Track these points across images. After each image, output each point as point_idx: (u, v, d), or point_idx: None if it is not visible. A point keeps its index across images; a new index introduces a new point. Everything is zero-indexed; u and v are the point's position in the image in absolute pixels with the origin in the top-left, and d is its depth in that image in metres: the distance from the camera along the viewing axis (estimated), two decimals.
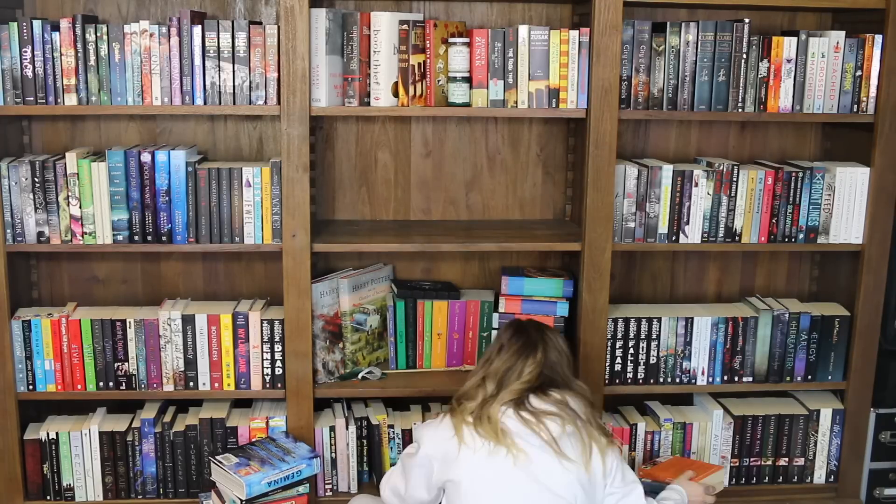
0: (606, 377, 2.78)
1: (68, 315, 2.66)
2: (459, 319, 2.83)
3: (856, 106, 2.70)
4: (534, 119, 2.90)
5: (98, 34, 2.49)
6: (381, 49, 2.56)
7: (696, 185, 2.70)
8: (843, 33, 2.67)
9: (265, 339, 2.68)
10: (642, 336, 2.78)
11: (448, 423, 2.16)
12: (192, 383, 2.69)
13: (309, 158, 2.56)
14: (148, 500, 2.74)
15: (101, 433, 2.69)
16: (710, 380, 2.83)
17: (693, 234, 2.73)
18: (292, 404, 2.69)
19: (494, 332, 2.83)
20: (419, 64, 2.59)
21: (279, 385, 2.70)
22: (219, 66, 2.52)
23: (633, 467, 2.80)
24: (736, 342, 2.81)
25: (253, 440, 2.68)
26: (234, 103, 2.55)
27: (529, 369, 2.15)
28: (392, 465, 2.70)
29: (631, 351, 2.78)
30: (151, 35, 2.49)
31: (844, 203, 2.75)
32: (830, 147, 2.98)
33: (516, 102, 2.61)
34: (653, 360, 2.80)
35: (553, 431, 2.09)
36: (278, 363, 2.69)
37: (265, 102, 2.55)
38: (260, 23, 2.63)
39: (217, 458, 2.53)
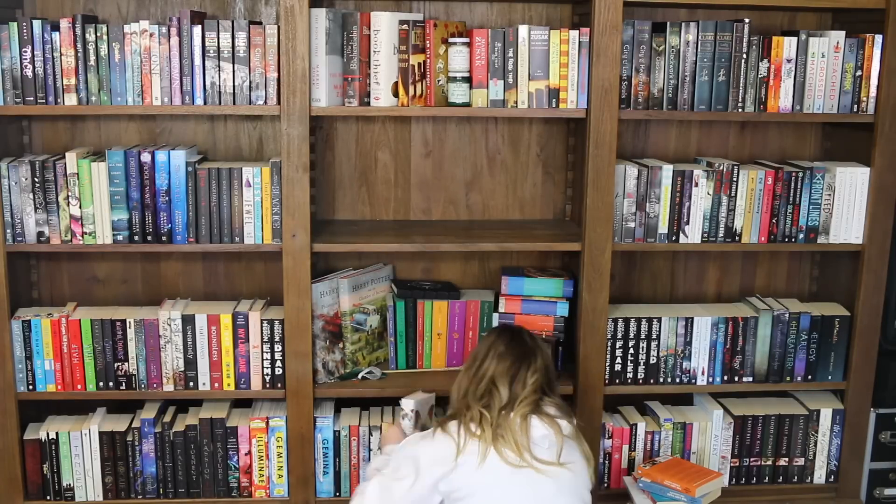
0: (606, 377, 2.78)
1: (68, 315, 2.66)
2: (459, 319, 2.83)
3: (856, 106, 2.70)
4: (534, 119, 2.89)
5: (98, 34, 2.49)
6: (381, 49, 2.56)
7: (696, 185, 2.70)
8: (843, 33, 2.67)
9: (265, 339, 2.68)
10: (642, 336, 2.77)
11: (450, 441, 2.11)
12: (192, 383, 2.69)
13: (309, 158, 2.56)
14: (148, 500, 2.74)
15: (101, 433, 2.69)
16: (710, 380, 2.83)
17: (693, 234, 2.73)
18: (292, 404, 2.69)
19: None
20: (419, 64, 2.58)
21: (279, 385, 2.70)
22: (219, 66, 2.52)
23: (632, 468, 2.81)
24: (736, 342, 2.81)
25: None
26: (234, 103, 2.55)
27: (534, 377, 2.17)
28: None
29: (631, 351, 2.78)
30: (151, 35, 2.49)
31: (844, 203, 2.75)
32: (830, 147, 2.98)
33: (516, 102, 2.61)
34: (653, 360, 2.80)
35: (565, 430, 2.14)
36: (278, 363, 2.69)
37: (265, 102, 2.55)
38: (260, 23, 2.63)
39: None
